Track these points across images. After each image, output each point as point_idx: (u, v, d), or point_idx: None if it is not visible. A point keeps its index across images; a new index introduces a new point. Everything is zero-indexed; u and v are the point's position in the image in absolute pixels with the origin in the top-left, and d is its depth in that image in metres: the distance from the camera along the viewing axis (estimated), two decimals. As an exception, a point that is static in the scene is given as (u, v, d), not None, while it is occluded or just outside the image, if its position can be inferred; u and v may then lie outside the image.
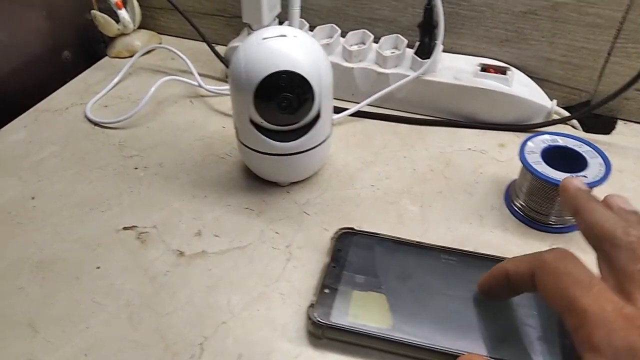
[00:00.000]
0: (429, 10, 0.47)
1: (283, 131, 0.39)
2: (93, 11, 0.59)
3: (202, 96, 0.55)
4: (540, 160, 0.39)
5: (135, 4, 0.61)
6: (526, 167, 0.38)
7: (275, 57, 0.37)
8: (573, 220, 0.39)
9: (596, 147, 0.40)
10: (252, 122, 0.39)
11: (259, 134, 0.39)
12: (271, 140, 0.39)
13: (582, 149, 0.40)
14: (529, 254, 0.27)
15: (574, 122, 0.50)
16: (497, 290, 0.30)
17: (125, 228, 0.40)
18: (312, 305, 0.32)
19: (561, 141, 0.40)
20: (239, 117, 0.40)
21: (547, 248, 0.37)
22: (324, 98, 0.39)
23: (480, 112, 0.49)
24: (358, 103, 0.51)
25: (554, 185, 0.37)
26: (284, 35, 0.38)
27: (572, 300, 0.23)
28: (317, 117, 0.39)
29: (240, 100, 0.38)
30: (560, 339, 0.30)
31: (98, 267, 0.37)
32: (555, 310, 0.24)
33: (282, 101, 0.37)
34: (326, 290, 0.33)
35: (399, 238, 0.37)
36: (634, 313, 0.22)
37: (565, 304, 0.23)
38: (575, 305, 0.23)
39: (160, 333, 0.33)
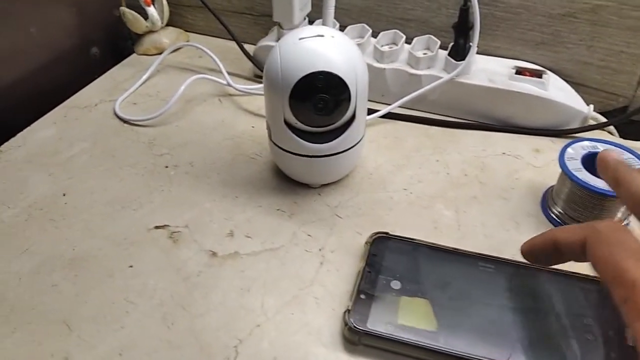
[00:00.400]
0: (465, 11, 0.46)
1: (317, 132, 0.39)
2: (122, 8, 0.59)
3: (231, 95, 0.54)
4: (581, 167, 0.38)
5: (164, 1, 0.60)
6: (567, 174, 0.37)
7: (312, 57, 0.36)
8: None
9: (639, 155, 0.38)
10: (286, 123, 0.38)
11: (293, 134, 0.38)
12: (305, 142, 0.38)
13: (624, 157, 0.38)
14: (582, 224, 0.28)
15: (611, 128, 0.48)
16: (541, 256, 0.30)
17: (157, 227, 0.40)
18: (348, 311, 0.32)
19: (602, 148, 0.39)
20: (272, 117, 0.39)
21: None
22: (359, 99, 0.38)
23: (515, 116, 0.48)
24: (388, 104, 0.50)
25: (595, 193, 0.36)
26: (321, 35, 0.37)
27: (623, 270, 0.23)
28: (352, 118, 0.39)
29: (275, 101, 0.38)
30: (605, 350, 0.29)
31: (130, 266, 0.37)
32: (603, 280, 0.24)
33: (318, 102, 0.36)
34: (362, 296, 0.32)
35: (434, 244, 0.36)
36: None
37: (615, 274, 0.24)
38: (626, 276, 0.23)
39: (194, 334, 0.32)
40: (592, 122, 0.48)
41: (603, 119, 0.48)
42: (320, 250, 0.38)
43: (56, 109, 0.53)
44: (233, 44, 0.58)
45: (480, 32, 0.46)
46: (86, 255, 0.38)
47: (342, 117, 0.38)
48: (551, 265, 0.30)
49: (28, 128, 0.50)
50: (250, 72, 0.57)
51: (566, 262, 0.28)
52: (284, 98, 0.37)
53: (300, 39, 0.37)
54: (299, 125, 0.38)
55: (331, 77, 0.36)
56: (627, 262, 0.23)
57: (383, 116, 0.49)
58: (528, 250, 0.30)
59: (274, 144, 0.41)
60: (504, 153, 0.46)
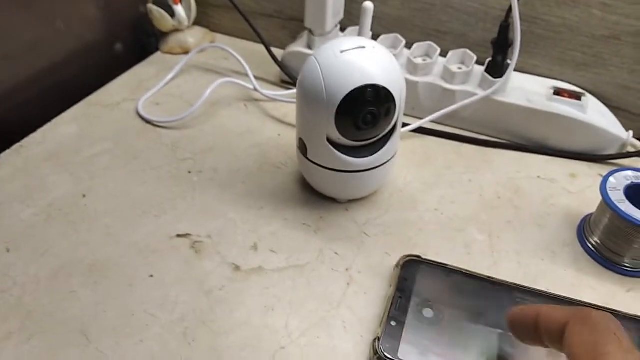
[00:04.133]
0: (505, 28, 0.45)
1: (358, 147, 0.37)
2: (149, 5, 0.58)
3: (257, 100, 0.53)
4: (624, 198, 0.36)
5: (192, 0, 0.59)
6: (609, 205, 0.36)
7: (358, 71, 0.34)
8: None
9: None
10: (327, 138, 0.37)
11: (334, 150, 0.37)
12: (346, 157, 0.37)
13: None
14: (568, 307, 0.26)
15: (650, 155, 0.47)
16: (521, 329, 0.27)
17: (179, 235, 0.38)
18: (378, 339, 0.30)
19: (647, 178, 0.38)
20: (310, 132, 0.37)
21: (625, 292, 0.35)
22: (400, 112, 0.37)
23: (551, 137, 0.47)
24: (419, 118, 0.49)
25: (638, 227, 0.35)
26: (363, 47, 0.36)
27: (602, 354, 0.22)
28: (392, 131, 0.37)
29: (317, 116, 0.36)
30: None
31: (151, 276, 0.36)
32: None
33: (366, 116, 0.35)
34: (393, 323, 0.31)
35: (468, 271, 0.34)
36: None
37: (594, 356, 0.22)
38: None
39: (217, 354, 0.31)
40: (630, 149, 0.46)
41: (642, 146, 0.46)
42: (347, 270, 0.36)
43: (78, 105, 0.52)
44: (258, 47, 0.57)
45: (519, 50, 0.45)
46: (106, 261, 0.37)
47: (386, 129, 0.37)
48: (528, 344, 0.27)
49: (49, 124, 0.49)
50: (276, 77, 0.56)
51: (542, 344, 0.26)
52: (328, 114, 0.35)
53: (342, 51, 0.35)
54: (342, 140, 0.36)
55: (379, 90, 0.35)
56: (607, 347, 0.22)
57: (413, 130, 0.48)
58: (513, 319, 0.28)
59: (307, 159, 0.39)
60: (538, 176, 0.44)
